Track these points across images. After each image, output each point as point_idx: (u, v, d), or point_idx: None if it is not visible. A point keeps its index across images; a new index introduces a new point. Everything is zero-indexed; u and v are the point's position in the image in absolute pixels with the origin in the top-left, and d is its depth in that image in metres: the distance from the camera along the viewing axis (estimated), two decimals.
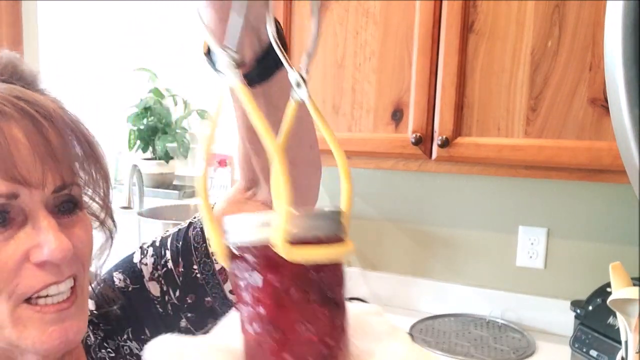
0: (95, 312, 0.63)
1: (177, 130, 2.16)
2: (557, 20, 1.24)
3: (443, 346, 1.50)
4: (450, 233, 1.73)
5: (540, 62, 1.27)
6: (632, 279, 0.85)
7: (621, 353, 0.86)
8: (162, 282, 0.64)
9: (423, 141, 1.39)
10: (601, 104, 1.22)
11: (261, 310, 0.31)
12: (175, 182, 2.23)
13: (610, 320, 1.22)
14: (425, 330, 1.62)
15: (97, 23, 2.32)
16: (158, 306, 0.64)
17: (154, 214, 1.83)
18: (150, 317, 0.64)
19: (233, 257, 0.32)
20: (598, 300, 1.30)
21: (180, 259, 0.64)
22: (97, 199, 0.57)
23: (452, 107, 1.35)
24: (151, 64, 2.19)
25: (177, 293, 0.64)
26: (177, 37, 2.15)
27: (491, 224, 1.68)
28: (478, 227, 1.69)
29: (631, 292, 0.81)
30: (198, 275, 0.63)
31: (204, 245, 0.64)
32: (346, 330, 0.33)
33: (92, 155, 0.54)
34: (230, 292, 0.64)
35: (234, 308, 0.35)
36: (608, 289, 0.95)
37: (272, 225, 0.30)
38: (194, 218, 0.67)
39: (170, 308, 0.64)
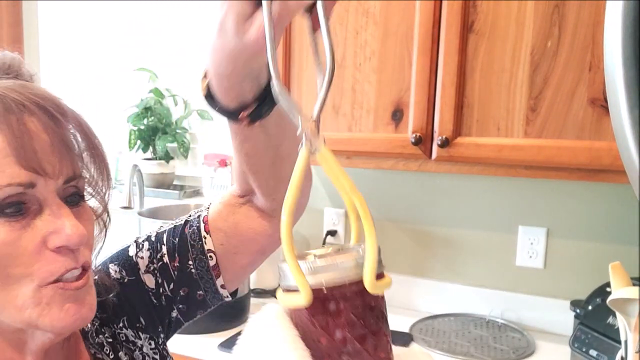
0: None
1: (178, 130, 2.16)
2: (557, 20, 1.24)
3: (443, 346, 1.50)
4: (450, 233, 1.73)
5: (540, 62, 1.27)
6: (632, 278, 0.85)
7: (621, 353, 0.86)
8: (158, 275, 0.67)
9: (423, 141, 1.39)
10: (601, 104, 1.22)
11: (349, 339, 0.37)
12: (175, 182, 2.23)
13: (610, 320, 1.22)
14: (425, 330, 1.62)
15: (97, 23, 2.32)
16: (152, 297, 0.68)
17: (154, 213, 1.83)
18: (145, 307, 0.68)
19: (318, 296, 0.36)
20: (598, 300, 1.30)
21: (176, 255, 0.67)
22: (97, 192, 0.59)
23: (452, 107, 1.35)
24: (151, 64, 2.19)
25: (171, 286, 0.68)
26: (177, 37, 2.15)
27: (491, 224, 1.68)
28: (478, 227, 1.69)
29: (631, 292, 0.81)
30: (193, 270, 0.67)
31: (200, 243, 0.67)
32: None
33: (95, 150, 0.56)
34: (222, 286, 0.68)
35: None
36: (608, 289, 0.95)
37: (351, 265, 0.36)
38: (189, 216, 0.70)
39: (164, 299, 0.68)
